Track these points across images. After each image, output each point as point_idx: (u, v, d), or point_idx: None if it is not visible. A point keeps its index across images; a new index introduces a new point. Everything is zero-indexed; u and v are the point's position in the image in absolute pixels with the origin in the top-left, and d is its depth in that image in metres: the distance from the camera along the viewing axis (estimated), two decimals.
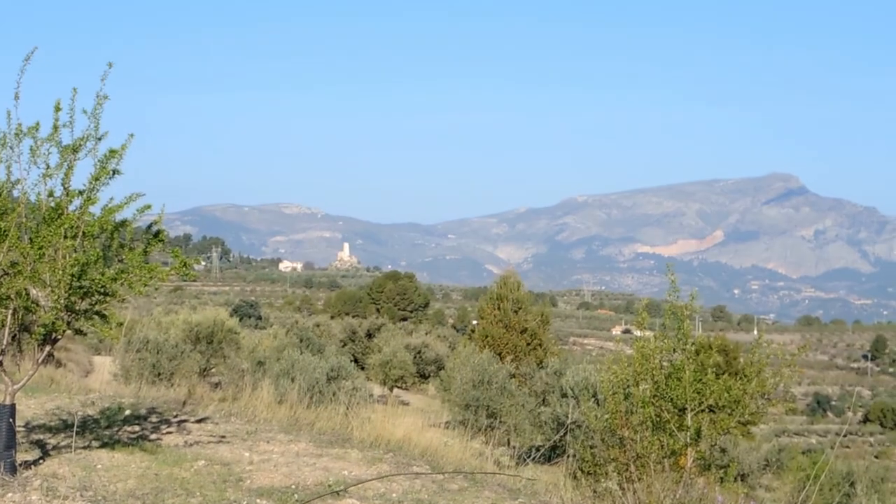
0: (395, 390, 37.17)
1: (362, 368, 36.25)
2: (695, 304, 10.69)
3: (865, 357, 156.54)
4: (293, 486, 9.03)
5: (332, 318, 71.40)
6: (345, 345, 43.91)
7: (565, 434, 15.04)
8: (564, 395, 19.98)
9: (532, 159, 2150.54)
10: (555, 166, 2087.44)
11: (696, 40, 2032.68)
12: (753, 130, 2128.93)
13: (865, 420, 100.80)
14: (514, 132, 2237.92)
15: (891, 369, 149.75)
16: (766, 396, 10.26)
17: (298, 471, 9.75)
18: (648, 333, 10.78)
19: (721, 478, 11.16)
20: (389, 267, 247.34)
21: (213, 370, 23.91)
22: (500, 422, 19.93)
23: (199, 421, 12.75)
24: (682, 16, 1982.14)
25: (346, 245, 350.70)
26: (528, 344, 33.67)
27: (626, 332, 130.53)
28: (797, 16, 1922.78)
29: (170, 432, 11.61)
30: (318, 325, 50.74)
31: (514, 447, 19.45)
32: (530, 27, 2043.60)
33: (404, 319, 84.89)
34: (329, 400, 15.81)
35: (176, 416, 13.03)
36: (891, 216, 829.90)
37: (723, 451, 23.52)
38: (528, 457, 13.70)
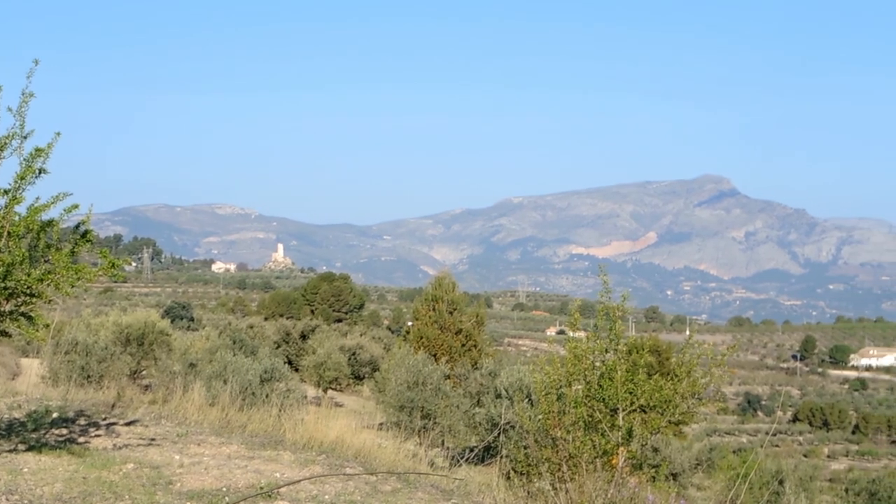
0: (330, 392, 36.98)
1: (296, 370, 36.03)
2: (627, 304, 10.79)
3: (795, 357, 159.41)
4: (224, 489, 8.93)
5: (265, 319, 70.90)
6: (278, 346, 43.56)
7: (499, 435, 15.06)
8: (499, 396, 20.03)
9: (468, 161, 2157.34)
10: (491, 168, 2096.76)
11: (629, 42, 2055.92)
12: (686, 132, 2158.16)
13: (795, 419, 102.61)
14: (450, 134, 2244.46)
15: (819, 369, 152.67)
16: (697, 396, 10.39)
17: (230, 473, 9.65)
18: (581, 334, 10.86)
19: (653, 477, 11.29)
20: (324, 268, 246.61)
21: (144, 372, 23.60)
22: (435, 423, 19.91)
23: (128, 424, 12.56)
24: (616, 16, 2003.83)
25: (281, 246, 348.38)
26: (463, 345, 33.71)
27: (561, 332, 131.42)
28: (727, 16, 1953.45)
29: (98, 435, 11.42)
30: (251, 327, 50.31)
31: (448, 448, 19.46)
32: (465, 28, 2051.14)
33: (339, 321, 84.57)
34: (262, 402, 15.68)
35: (105, 419, 12.82)
36: (820, 218, 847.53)
37: (655, 450, 23.75)
38: (462, 458, 13.71)
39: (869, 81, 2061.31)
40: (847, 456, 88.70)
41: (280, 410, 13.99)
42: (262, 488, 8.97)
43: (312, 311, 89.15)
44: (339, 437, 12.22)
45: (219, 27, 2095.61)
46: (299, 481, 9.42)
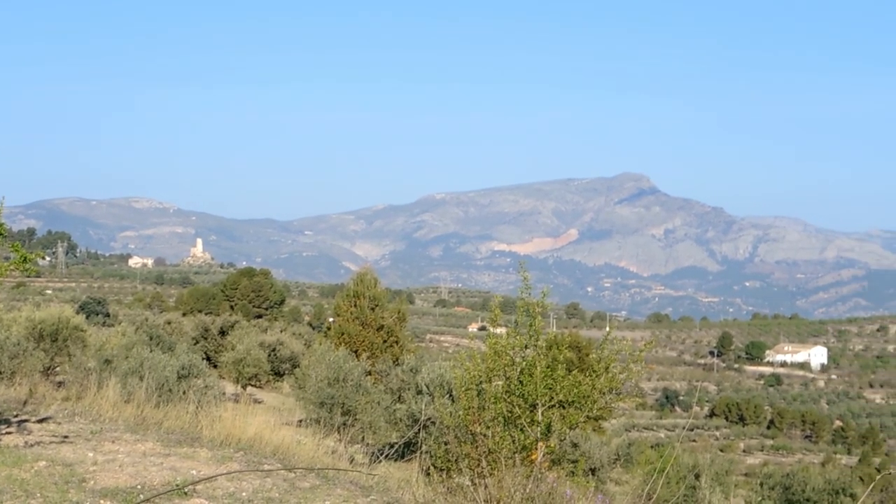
0: (249, 388, 36.63)
1: (215, 366, 35.60)
2: (547, 301, 10.88)
3: (712, 353, 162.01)
4: (139, 487, 8.79)
5: (184, 315, 70.01)
6: (197, 342, 42.99)
7: (420, 431, 15.08)
8: (420, 393, 20.05)
9: (391, 157, 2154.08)
10: (413, 164, 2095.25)
11: (549, 36, 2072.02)
12: (606, 130, 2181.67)
13: (711, 414, 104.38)
14: (373, 129, 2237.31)
15: (736, 365, 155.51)
16: (615, 392, 10.50)
17: (145, 471, 9.50)
18: (502, 330, 10.92)
19: (572, 472, 11.39)
20: (244, 263, 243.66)
21: (58, 369, 23.12)
22: (355, 419, 19.84)
23: (40, 421, 12.31)
24: (535, 10, 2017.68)
25: (200, 241, 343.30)
26: (385, 341, 33.63)
27: (482, 329, 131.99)
28: (648, 13, 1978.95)
29: (9, 432, 11.16)
30: (169, 323, 49.63)
31: (369, 445, 19.42)
32: (387, 24, 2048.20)
33: (259, 317, 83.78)
34: (179, 399, 15.48)
35: (16, 416, 12.54)
36: (737, 216, 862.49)
37: (575, 445, 23.99)
38: (382, 454, 13.68)
39: (785, 81, 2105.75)
40: (762, 450, 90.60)
41: (197, 407, 13.81)
42: (177, 485, 8.84)
43: (232, 307, 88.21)
44: (258, 433, 12.11)
45: (138, 16, 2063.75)
46: (215, 477, 9.31)
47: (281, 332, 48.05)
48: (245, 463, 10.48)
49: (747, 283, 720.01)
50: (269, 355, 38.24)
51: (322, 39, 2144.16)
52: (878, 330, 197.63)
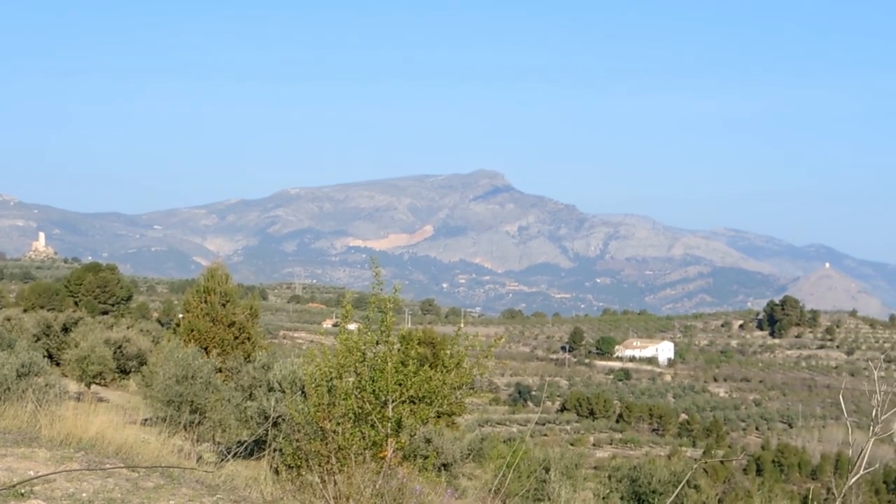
0: (94, 387, 35.53)
1: (57, 364, 34.39)
2: (400, 296, 10.86)
3: (563, 348, 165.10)
4: None
5: (24, 311, 67.42)
6: (38, 339, 41.43)
7: (270, 428, 14.86)
8: (271, 390, 19.80)
9: (244, 151, 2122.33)
10: (267, 158, 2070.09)
11: (407, 35, 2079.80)
12: (462, 127, 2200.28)
13: (563, 409, 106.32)
14: (226, 123, 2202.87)
15: (587, 360, 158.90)
16: (466, 387, 10.56)
17: None
18: (354, 326, 10.86)
19: (424, 467, 11.39)
20: (90, 258, 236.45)
21: None
22: (205, 418, 19.48)
23: None
24: (392, 6, 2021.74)
25: (42, 235, 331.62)
26: (236, 338, 33.15)
27: (337, 325, 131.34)
28: (498, 9, 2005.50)
29: None
30: (8, 319, 47.68)
31: (218, 443, 19.09)
32: (243, 17, 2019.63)
33: (105, 313, 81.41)
34: (18, 398, 14.87)
35: None
36: (588, 214, 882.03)
37: (427, 441, 24.08)
38: (231, 452, 13.43)
39: (633, 81, 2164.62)
40: (611, 444, 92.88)
41: (37, 406, 13.29)
42: (13, 486, 8.47)
43: (76, 303, 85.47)
44: (100, 432, 11.70)
45: None
46: (53, 476, 8.95)
47: (128, 328, 46.76)
48: (86, 462, 10.11)
49: (598, 280, 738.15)
50: (115, 353, 37.15)
51: (176, 32, 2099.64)
52: (722, 325, 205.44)
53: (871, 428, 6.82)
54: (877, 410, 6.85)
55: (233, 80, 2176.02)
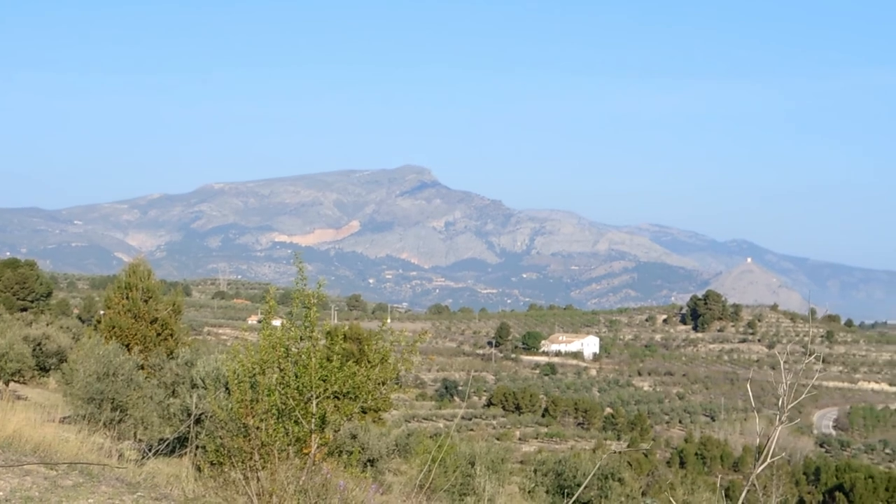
0: (12, 385, 34.83)
1: None
2: (324, 292, 10.84)
3: (490, 343, 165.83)
4: None
5: None
6: None
7: (193, 425, 14.73)
8: (195, 386, 19.60)
9: (166, 145, 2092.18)
10: (190, 153, 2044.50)
11: (330, 25, 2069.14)
12: (389, 123, 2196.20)
13: (489, 404, 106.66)
14: (148, 116, 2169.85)
15: (513, 355, 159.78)
16: (391, 382, 10.57)
17: None
18: (278, 322, 10.81)
19: (349, 463, 11.39)
20: (8, 254, 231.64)
21: None
22: (126, 415, 19.23)
23: None
24: (325, 5, 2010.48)
25: None
26: (159, 334, 32.72)
27: (261, 321, 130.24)
28: (425, 7, 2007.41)
29: None
30: None
31: (140, 441, 18.86)
32: (166, 8, 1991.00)
33: (24, 310, 79.74)
34: None
35: None
36: (514, 209, 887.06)
37: (353, 437, 24.06)
38: (153, 450, 13.29)
39: (555, 80, 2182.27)
40: (537, 438, 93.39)
41: None
42: None
43: None
44: (18, 430, 11.51)
45: None
46: None
47: (47, 325, 45.86)
48: (2, 460, 9.93)
49: (524, 275, 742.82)
50: (34, 350, 36.48)
51: (99, 27, 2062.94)
52: (646, 320, 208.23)
53: (778, 417, 7.06)
54: (783, 400, 7.09)
55: (152, 72, 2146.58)
